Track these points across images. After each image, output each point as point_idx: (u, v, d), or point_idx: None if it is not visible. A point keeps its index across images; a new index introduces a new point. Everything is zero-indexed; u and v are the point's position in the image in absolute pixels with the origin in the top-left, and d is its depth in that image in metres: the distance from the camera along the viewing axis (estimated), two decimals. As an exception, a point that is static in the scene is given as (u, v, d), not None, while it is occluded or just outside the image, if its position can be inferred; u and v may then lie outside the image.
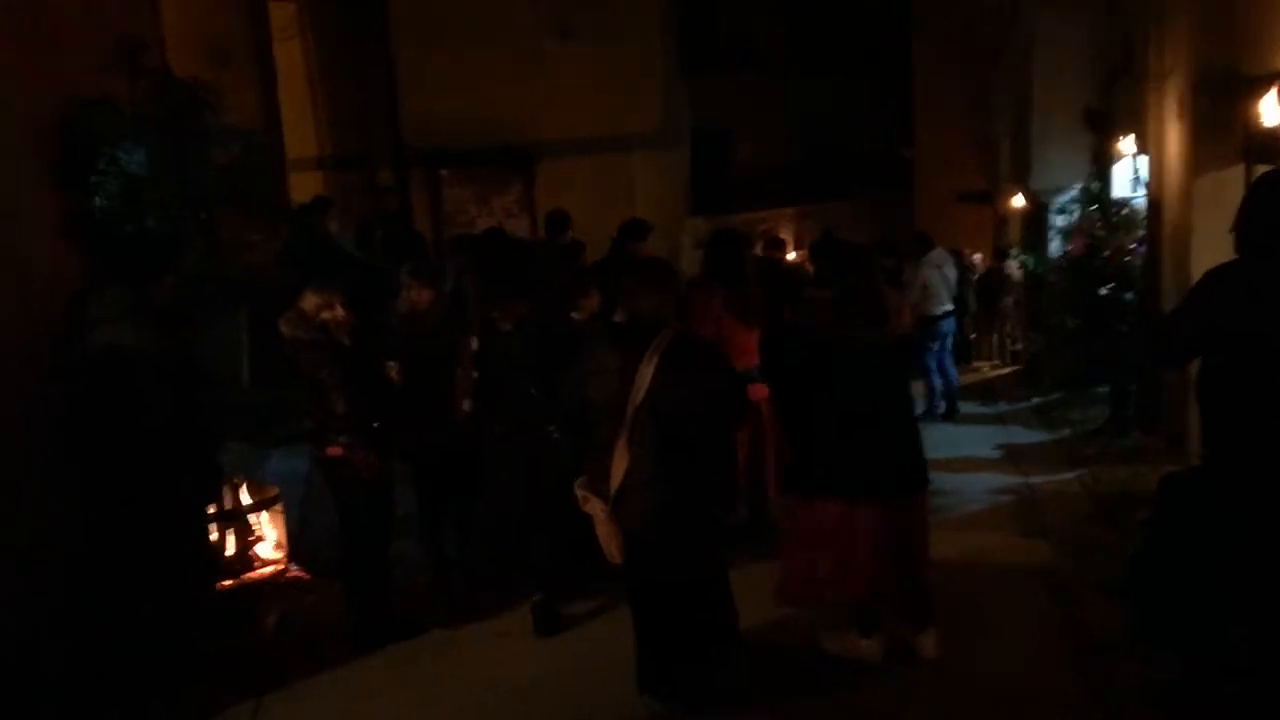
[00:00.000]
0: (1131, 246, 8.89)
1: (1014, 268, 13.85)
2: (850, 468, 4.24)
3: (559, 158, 11.36)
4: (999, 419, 9.86)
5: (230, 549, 5.44)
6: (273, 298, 5.47)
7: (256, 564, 5.55)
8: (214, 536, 5.32)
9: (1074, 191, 11.18)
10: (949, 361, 10.04)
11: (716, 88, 19.28)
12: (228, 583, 5.34)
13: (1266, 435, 3.35)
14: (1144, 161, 8.74)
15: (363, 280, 6.36)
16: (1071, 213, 11.10)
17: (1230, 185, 6.13)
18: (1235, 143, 6.37)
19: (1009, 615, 4.95)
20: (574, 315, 5.17)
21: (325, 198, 8.54)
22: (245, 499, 5.58)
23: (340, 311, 4.75)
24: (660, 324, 3.99)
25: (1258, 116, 5.97)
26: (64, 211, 4.75)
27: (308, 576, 5.56)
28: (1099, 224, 9.43)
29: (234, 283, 5.99)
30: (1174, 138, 7.44)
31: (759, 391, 5.44)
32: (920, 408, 8.04)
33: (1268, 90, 5.86)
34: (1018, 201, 14.31)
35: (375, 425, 4.80)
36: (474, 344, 5.04)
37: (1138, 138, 8.81)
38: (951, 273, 10.29)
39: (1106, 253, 8.98)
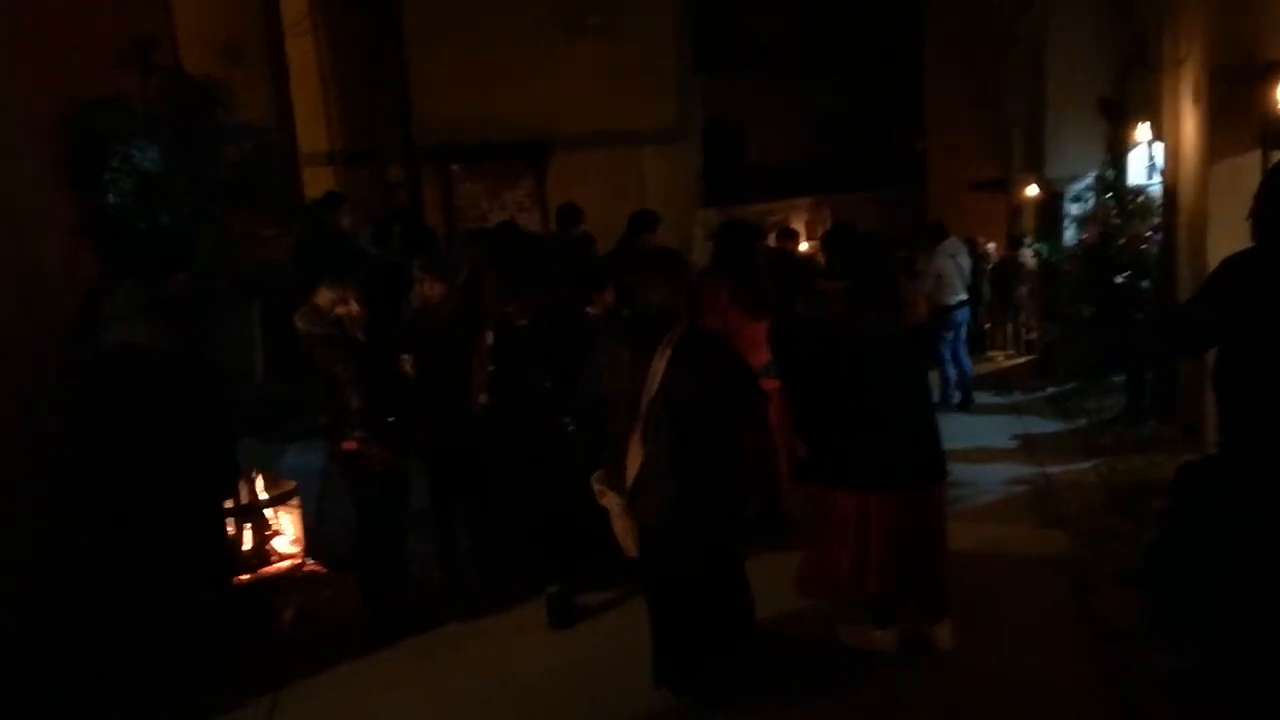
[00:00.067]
0: (1147, 234, 8.84)
1: (1028, 256, 13.79)
2: (866, 460, 4.23)
3: (570, 152, 11.36)
4: (1014, 409, 9.82)
5: (247, 544, 5.47)
6: (285, 293, 5.49)
7: (273, 559, 5.58)
8: (231, 531, 5.35)
9: (1089, 179, 11.13)
10: (963, 351, 10.01)
11: (732, 84, 19.28)
12: (245, 577, 5.37)
13: (1284, 424, 3.33)
14: (1159, 148, 8.68)
15: (376, 275, 6.38)
16: (1086, 201, 11.05)
17: (1246, 172, 6.08)
18: (1252, 129, 6.32)
19: (1025, 605, 4.94)
20: (589, 310, 5.16)
21: (338, 193, 8.54)
22: (262, 494, 5.61)
23: (354, 307, 4.77)
24: (671, 317, 3.98)
25: (1274, 103, 5.93)
26: (77, 210, 4.77)
27: (324, 571, 5.59)
28: (1114, 212, 9.38)
29: (246, 279, 6.00)
30: (1190, 125, 7.39)
31: (769, 385, 5.43)
32: (934, 398, 8.01)
33: (1285, 76, 5.82)
34: (1032, 190, 14.25)
35: (389, 420, 4.81)
36: (489, 338, 5.04)
37: (1153, 125, 8.76)
38: (965, 262, 10.25)
39: (1122, 241, 8.93)
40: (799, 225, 17.78)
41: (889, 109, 22.88)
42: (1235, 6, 6.57)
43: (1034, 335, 13.80)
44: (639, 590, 4.28)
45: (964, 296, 9.98)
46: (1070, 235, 11.55)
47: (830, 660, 4.42)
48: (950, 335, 9.77)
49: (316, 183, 10.06)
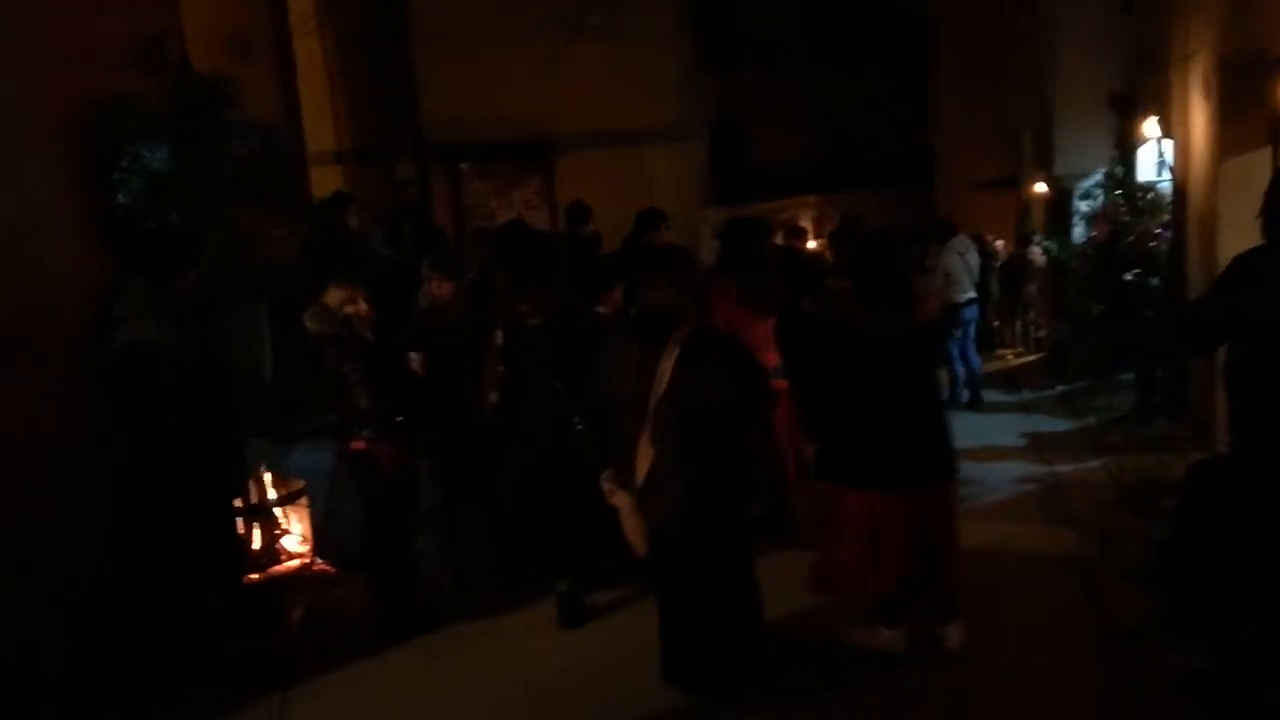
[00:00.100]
0: (1157, 231, 8.81)
1: (1037, 254, 13.76)
2: (876, 459, 4.21)
3: (578, 150, 11.37)
4: (1023, 407, 9.80)
5: (256, 543, 5.48)
6: (294, 292, 5.49)
7: (282, 558, 5.59)
8: (240, 530, 5.36)
9: (1097, 176, 11.10)
10: (972, 349, 9.98)
11: (737, 82, 19.25)
12: (254, 577, 5.39)
13: (1296, 423, 3.32)
14: (1169, 145, 8.64)
15: (385, 275, 6.38)
16: (1095, 198, 11.02)
17: (1257, 169, 6.03)
18: (1262, 125, 6.27)
19: (1034, 604, 4.92)
20: (599, 310, 5.15)
21: (345, 193, 8.55)
22: (271, 493, 5.62)
23: (363, 306, 4.77)
24: (678, 316, 3.97)
25: (1286, 99, 5.89)
26: (87, 210, 4.78)
27: (333, 570, 5.59)
28: (1123, 209, 9.35)
29: (254, 277, 6.01)
30: (1199, 121, 7.35)
31: (776, 385, 5.42)
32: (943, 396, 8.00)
33: (1296, 72, 5.78)
34: (1040, 187, 14.21)
35: (398, 420, 4.81)
36: (500, 338, 5.04)
37: (1162, 121, 8.72)
38: (974, 259, 10.23)
39: (1131, 238, 8.91)
40: (806, 223, 17.79)
41: (894, 106, 22.85)
42: (1245, 1, 6.53)
43: (1043, 333, 13.77)
44: (648, 589, 4.27)
45: (972, 294, 9.96)
46: (1079, 232, 11.52)
47: (838, 659, 4.41)
48: (959, 333, 9.75)
49: (324, 182, 10.06)
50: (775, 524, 5.65)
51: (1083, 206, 11.52)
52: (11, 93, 4.34)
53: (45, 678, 4.13)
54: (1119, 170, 10.06)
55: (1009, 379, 11.57)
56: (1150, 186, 9.45)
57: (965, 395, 9.76)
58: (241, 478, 5.28)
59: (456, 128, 11.22)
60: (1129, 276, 8.62)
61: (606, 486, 4.03)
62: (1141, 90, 9.92)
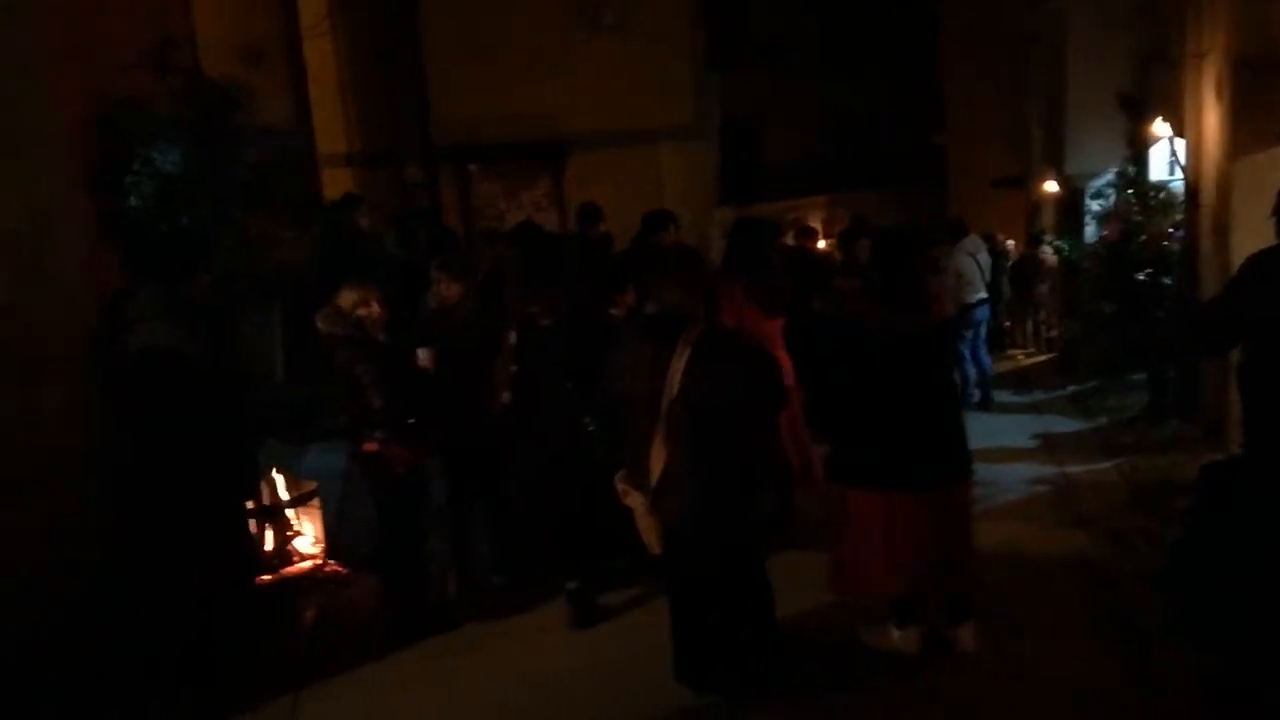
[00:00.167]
0: (1169, 231, 8.77)
1: (1048, 253, 13.72)
2: (891, 459, 4.20)
3: (587, 151, 11.36)
4: (1034, 408, 9.77)
5: (269, 544, 5.50)
6: (305, 294, 5.51)
7: (294, 559, 5.61)
8: (253, 532, 5.37)
9: (1109, 176, 11.06)
10: (983, 350, 9.96)
11: (747, 83, 19.24)
12: (266, 578, 5.41)
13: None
14: (1181, 144, 8.61)
15: (395, 276, 6.40)
16: (1107, 197, 10.98)
17: (1270, 168, 6.01)
18: (1275, 124, 6.26)
19: (1047, 606, 4.91)
20: (612, 312, 5.15)
21: (356, 195, 8.57)
22: (283, 494, 5.64)
23: (376, 308, 4.78)
24: (688, 316, 3.97)
25: (1299, 98, 5.87)
26: (99, 212, 4.80)
27: (345, 571, 5.61)
28: (1135, 208, 9.31)
29: (265, 280, 6.03)
30: (1212, 120, 7.33)
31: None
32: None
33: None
34: (1051, 186, 14.17)
35: (410, 421, 4.83)
36: (512, 338, 5.05)
37: (1174, 120, 8.68)
38: (985, 259, 10.20)
39: (1143, 237, 8.87)
40: (815, 223, 17.75)
41: (904, 106, 22.81)
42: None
43: (1054, 333, 13.73)
44: (660, 589, 4.27)
45: (984, 294, 9.93)
46: (1090, 232, 11.48)
47: (851, 660, 4.40)
48: (970, 333, 9.72)
49: (335, 184, 10.09)
50: (778, 523, 5.65)
51: (1094, 206, 11.49)
52: (23, 94, 4.36)
53: (46, 678, 4.14)
54: (1131, 169, 10.02)
55: (1020, 379, 11.53)
56: (1162, 186, 9.42)
57: (976, 396, 9.73)
58: (254, 479, 5.29)
59: (465, 128, 11.23)
60: (1141, 276, 8.59)
61: (620, 487, 4.04)
62: (1153, 89, 9.89)
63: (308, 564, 5.61)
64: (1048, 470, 7.24)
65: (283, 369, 7.50)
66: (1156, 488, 6.27)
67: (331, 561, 5.68)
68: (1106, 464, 7.21)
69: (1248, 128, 6.59)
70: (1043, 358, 13.38)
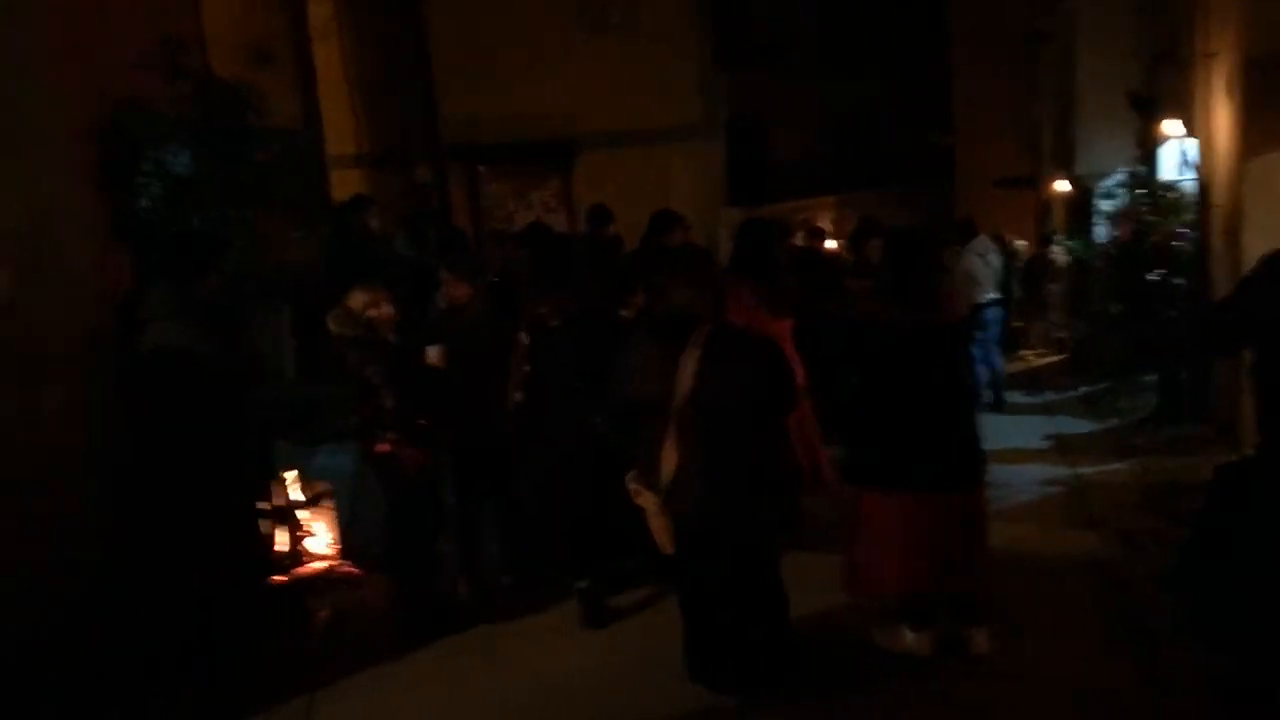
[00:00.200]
0: (1180, 231, 8.74)
1: (1058, 254, 13.67)
2: (903, 460, 4.19)
3: (596, 151, 11.36)
4: (1046, 408, 9.74)
5: (281, 545, 5.51)
6: (315, 295, 5.52)
7: (307, 559, 5.62)
8: (265, 532, 5.39)
9: (1119, 175, 11.02)
10: (995, 351, 9.92)
11: (753, 81, 19.19)
12: (279, 579, 5.42)
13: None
14: (1192, 144, 8.58)
15: (405, 277, 6.41)
16: (1117, 197, 10.94)
17: (1282, 168, 6.02)
18: (1287, 124, 6.24)
19: (1059, 607, 4.89)
20: (623, 313, 5.15)
21: (365, 196, 8.60)
22: (295, 495, 5.65)
23: (386, 309, 4.79)
24: (698, 316, 3.97)
25: (1311, 97, 5.84)
26: (110, 213, 4.82)
27: (357, 572, 5.62)
28: (1146, 208, 9.28)
29: (275, 280, 6.05)
30: (1223, 119, 7.30)
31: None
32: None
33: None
34: (1061, 186, 14.12)
35: (422, 421, 4.83)
36: (524, 338, 5.06)
37: (1185, 120, 8.66)
38: (996, 260, 10.14)
39: (1154, 238, 8.84)
40: (824, 223, 17.71)
41: (912, 105, 22.74)
42: (1268, -1, 6.48)
43: (1065, 333, 13.68)
44: (672, 589, 4.26)
45: (994, 295, 9.87)
46: (1101, 232, 11.44)
47: (863, 661, 4.40)
48: (980, 335, 9.69)
49: (344, 185, 10.11)
50: (787, 524, 5.63)
51: (1104, 206, 11.44)
52: (23, 94, 4.38)
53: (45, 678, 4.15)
54: (1142, 169, 9.98)
55: (1031, 380, 11.50)
56: (1173, 186, 9.38)
57: (988, 397, 9.69)
58: (266, 480, 5.31)
59: (473, 129, 11.24)
60: (1152, 276, 8.55)
61: (632, 487, 4.04)
62: (1163, 89, 9.85)
63: (320, 565, 5.62)
64: (1059, 471, 7.22)
65: (294, 370, 7.52)
66: (1167, 488, 6.25)
67: (344, 562, 5.69)
68: (1118, 465, 7.19)
69: (1259, 127, 6.56)
70: (1054, 358, 13.31)
